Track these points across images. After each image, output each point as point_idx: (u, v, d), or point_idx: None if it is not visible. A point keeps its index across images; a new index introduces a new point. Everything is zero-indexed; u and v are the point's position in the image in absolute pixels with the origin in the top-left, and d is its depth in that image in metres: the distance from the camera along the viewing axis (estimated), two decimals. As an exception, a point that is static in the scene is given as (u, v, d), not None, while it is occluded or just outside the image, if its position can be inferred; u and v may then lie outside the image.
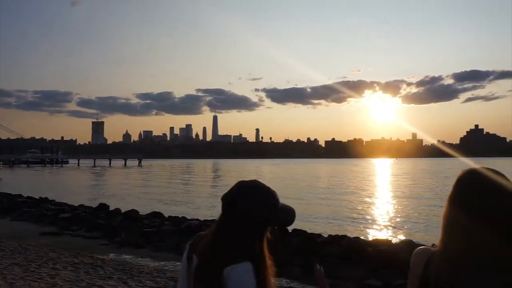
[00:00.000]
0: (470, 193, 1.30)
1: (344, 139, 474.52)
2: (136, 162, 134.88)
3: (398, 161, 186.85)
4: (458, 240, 1.28)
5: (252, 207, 1.67)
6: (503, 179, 1.31)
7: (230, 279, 1.56)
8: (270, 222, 1.69)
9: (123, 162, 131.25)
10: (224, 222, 1.67)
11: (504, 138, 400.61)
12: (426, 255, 1.35)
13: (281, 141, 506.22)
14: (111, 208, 19.00)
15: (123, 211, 17.70)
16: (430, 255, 1.34)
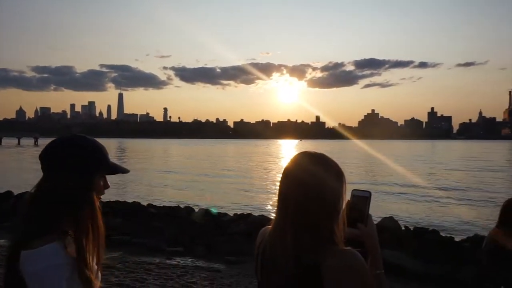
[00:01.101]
0: None
1: (252, 120, 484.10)
2: (31, 141, 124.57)
3: (302, 142, 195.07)
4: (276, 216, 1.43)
5: (59, 164, 1.42)
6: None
7: (24, 270, 1.29)
8: (89, 182, 1.45)
9: (16, 141, 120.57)
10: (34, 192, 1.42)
11: (396, 123, 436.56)
12: (264, 230, 1.52)
13: (190, 121, 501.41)
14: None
15: None
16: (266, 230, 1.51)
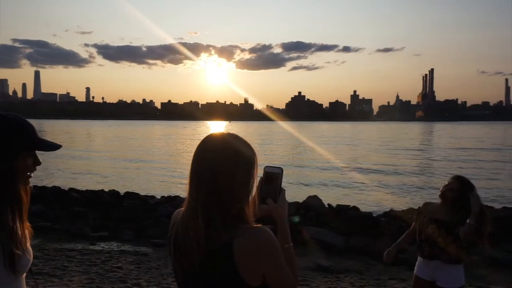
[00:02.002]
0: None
1: (180, 101, 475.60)
2: None
3: (231, 124, 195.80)
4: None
5: None
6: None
7: None
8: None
9: None
10: None
11: (321, 105, 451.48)
12: (178, 212, 1.52)
13: (115, 101, 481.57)
14: None
15: None
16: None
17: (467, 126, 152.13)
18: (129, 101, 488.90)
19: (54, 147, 1.52)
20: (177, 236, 1.42)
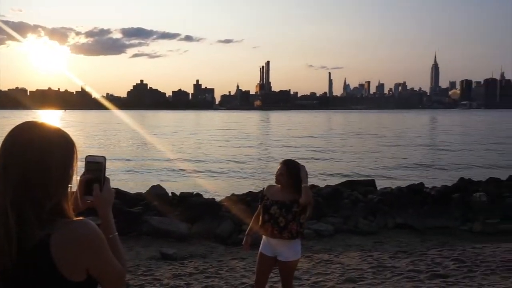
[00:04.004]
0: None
1: (4, 88, 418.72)
2: None
3: (67, 113, 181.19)
4: None
5: None
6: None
7: None
8: None
9: None
10: None
11: (165, 94, 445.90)
12: None
13: None
14: None
15: None
16: None
17: (298, 114, 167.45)
18: None
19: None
20: None
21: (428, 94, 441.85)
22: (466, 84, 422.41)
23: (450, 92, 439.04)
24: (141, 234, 8.20)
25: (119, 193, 9.70)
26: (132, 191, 11.19)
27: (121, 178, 18.22)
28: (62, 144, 1.32)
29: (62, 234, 1.23)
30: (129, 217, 8.40)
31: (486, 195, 10.08)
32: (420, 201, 10.05)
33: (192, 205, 9.38)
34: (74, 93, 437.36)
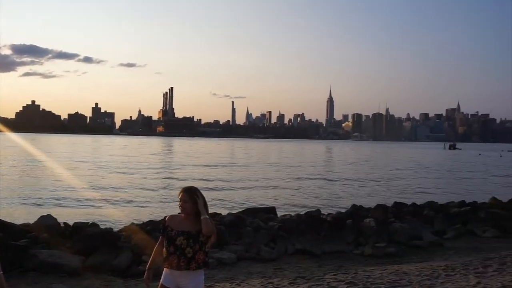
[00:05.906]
0: None
1: None
2: None
3: None
4: None
5: None
6: None
7: None
8: None
9: None
10: None
11: (60, 116, 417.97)
12: None
13: None
14: None
15: None
16: None
17: (201, 141, 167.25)
18: None
19: None
20: None
21: (324, 125, 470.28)
22: (357, 117, 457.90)
23: (343, 124, 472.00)
24: (28, 270, 7.45)
25: (2, 225, 8.82)
26: (18, 222, 10.25)
27: (4, 207, 16.53)
28: None
29: None
30: (14, 251, 7.61)
31: (375, 220, 10.91)
32: (318, 227, 10.55)
33: (86, 236, 8.78)
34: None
